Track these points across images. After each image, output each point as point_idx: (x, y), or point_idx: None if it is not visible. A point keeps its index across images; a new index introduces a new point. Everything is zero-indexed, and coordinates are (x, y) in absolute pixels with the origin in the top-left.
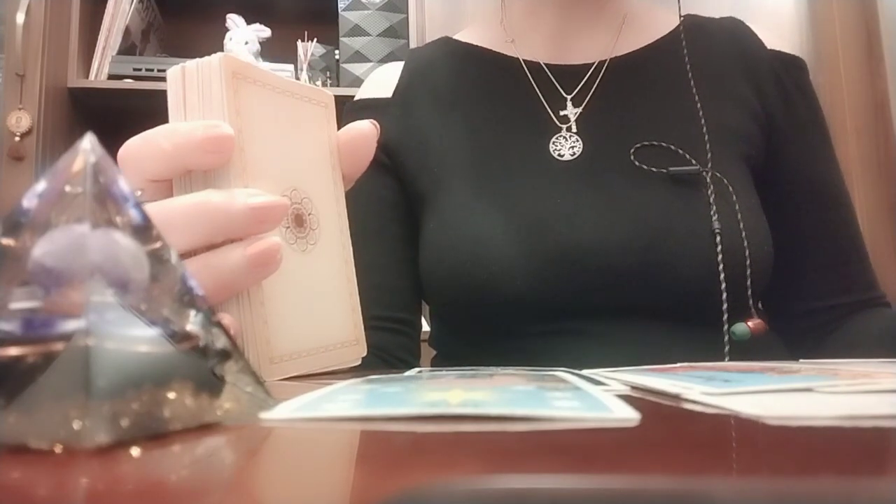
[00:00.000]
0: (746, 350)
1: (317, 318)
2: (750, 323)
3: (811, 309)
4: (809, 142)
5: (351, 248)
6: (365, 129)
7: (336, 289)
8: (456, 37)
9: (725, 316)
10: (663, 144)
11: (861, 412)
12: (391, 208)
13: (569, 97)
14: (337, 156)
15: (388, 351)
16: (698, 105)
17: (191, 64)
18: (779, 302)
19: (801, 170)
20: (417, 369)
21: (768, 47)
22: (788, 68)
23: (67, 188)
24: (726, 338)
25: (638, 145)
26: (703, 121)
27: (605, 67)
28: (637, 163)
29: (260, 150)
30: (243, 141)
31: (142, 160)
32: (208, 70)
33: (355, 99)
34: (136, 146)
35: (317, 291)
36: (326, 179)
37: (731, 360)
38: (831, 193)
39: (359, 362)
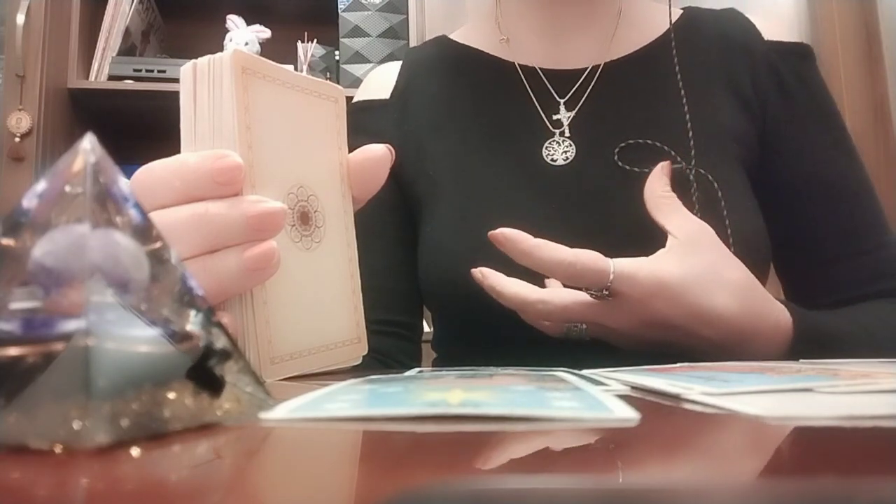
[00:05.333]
0: None
1: (319, 317)
2: None
3: (838, 301)
4: (810, 132)
5: (356, 245)
6: (378, 154)
7: (339, 287)
8: (452, 36)
9: None
10: (649, 142)
11: (861, 412)
12: (390, 211)
13: (562, 101)
14: (346, 152)
15: (388, 354)
16: (685, 110)
17: (202, 60)
18: (806, 298)
19: (803, 161)
20: (418, 369)
21: (766, 38)
22: (786, 58)
23: (67, 188)
24: None
25: (623, 144)
26: (689, 125)
27: (598, 72)
28: (620, 163)
29: (268, 146)
30: (251, 138)
31: (152, 194)
32: (220, 66)
33: (355, 100)
34: (145, 180)
35: (320, 290)
36: (333, 176)
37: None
38: (838, 182)
39: (360, 361)
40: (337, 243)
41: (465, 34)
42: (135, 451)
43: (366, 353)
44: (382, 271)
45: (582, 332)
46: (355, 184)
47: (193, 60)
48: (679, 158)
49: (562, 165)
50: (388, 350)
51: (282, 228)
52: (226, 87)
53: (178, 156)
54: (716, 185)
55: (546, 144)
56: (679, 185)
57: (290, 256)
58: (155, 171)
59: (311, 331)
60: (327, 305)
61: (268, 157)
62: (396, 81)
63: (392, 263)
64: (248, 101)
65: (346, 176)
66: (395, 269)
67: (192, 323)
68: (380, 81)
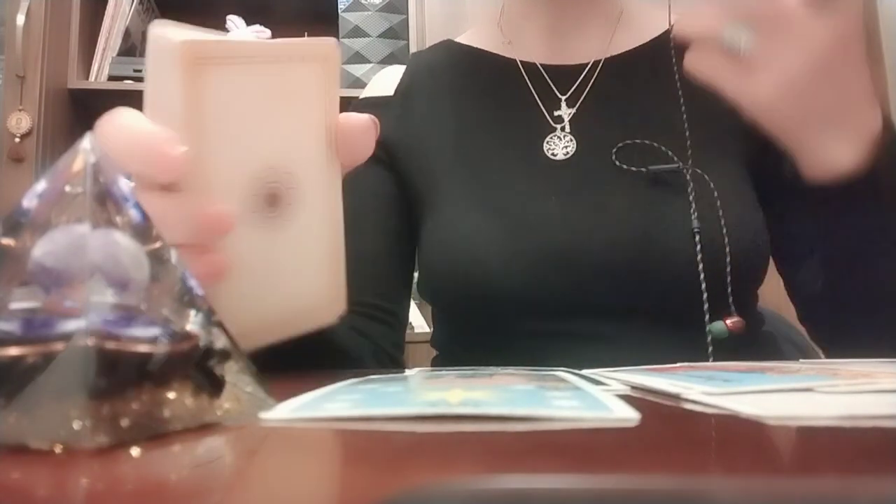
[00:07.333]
0: (734, 348)
1: (284, 289)
2: (728, 321)
3: None
4: None
5: (341, 207)
6: (362, 121)
7: (315, 255)
8: (457, 39)
9: (707, 317)
10: (646, 142)
11: (861, 412)
12: (386, 201)
13: (563, 98)
14: (335, 112)
15: (371, 338)
16: (682, 106)
17: (156, 38)
18: (808, 294)
19: None
20: (418, 369)
21: None
22: None
23: (67, 188)
24: (709, 338)
25: (620, 144)
26: (684, 119)
27: (599, 67)
28: (618, 162)
29: (226, 136)
30: (204, 128)
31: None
32: (169, 57)
33: (360, 97)
34: (108, 142)
35: (286, 264)
36: (317, 142)
37: (717, 358)
38: None
39: (336, 320)
40: (318, 210)
41: (469, 37)
42: (135, 451)
43: (343, 312)
44: (373, 258)
45: (740, 46)
46: (339, 149)
47: (157, 30)
48: (676, 158)
49: (562, 160)
50: (373, 334)
51: (231, 230)
52: (172, 80)
53: (133, 129)
54: (711, 184)
55: (547, 139)
56: (677, 183)
57: (246, 241)
58: (117, 138)
59: (274, 304)
60: (296, 276)
61: (225, 146)
62: (400, 81)
63: (383, 251)
64: (201, 93)
65: (333, 139)
66: (385, 256)
67: (192, 323)
68: (386, 80)
